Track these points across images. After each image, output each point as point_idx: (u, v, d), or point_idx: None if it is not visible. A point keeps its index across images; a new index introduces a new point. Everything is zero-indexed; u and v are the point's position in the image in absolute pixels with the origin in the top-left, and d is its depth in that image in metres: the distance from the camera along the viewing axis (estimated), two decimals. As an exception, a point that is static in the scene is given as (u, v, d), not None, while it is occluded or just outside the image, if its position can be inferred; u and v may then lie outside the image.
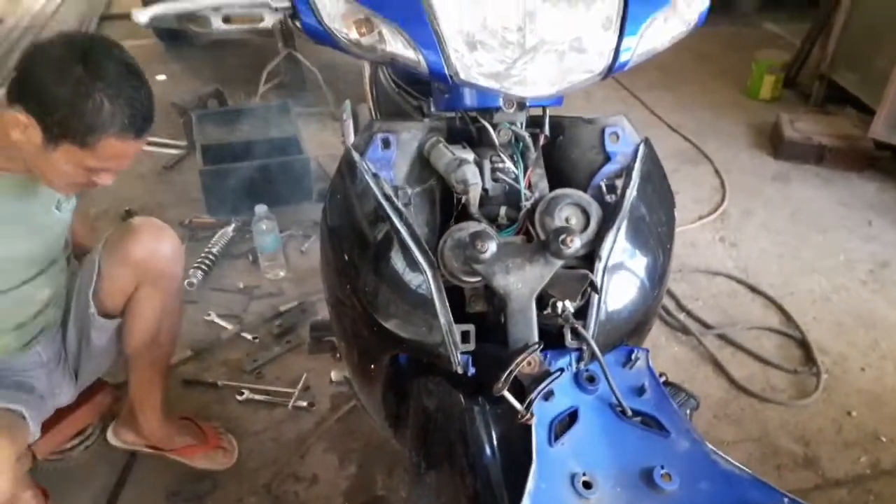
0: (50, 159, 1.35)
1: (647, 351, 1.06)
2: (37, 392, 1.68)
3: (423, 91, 1.65)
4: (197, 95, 3.69)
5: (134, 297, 1.75)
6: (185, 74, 4.49)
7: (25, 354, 1.65)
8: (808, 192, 3.46)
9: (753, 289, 2.82)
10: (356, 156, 1.09)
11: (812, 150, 3.60)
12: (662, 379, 1.09)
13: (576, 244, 0.94)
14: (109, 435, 2.10)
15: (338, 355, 1.81)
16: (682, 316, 2.65)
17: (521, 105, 1.07)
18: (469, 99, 1.08)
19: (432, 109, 1.19)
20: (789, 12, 5.52)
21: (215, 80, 4.08)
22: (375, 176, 1.08)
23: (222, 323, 2.59)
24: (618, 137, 1.13)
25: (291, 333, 2.56)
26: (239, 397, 2.29)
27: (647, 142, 1.15)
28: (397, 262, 1.02)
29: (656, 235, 1.09)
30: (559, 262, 0.99)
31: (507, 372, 0.93)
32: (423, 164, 1.13)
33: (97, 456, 2.09)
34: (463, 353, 1.00)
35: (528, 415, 0.93)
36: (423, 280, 1.00)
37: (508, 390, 0.95)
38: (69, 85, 1.27)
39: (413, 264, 1.01)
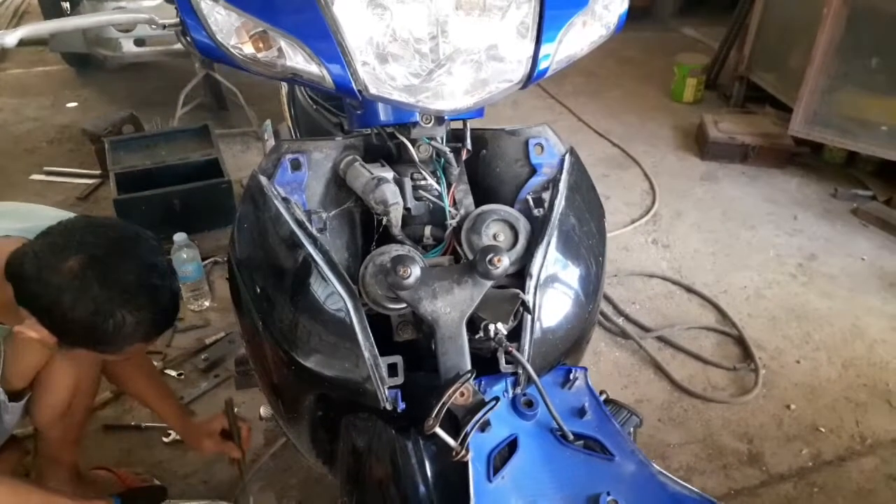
0: (62, 350, 1.28)
1: (586, 370, 1.01)
2: None
3: (343, 107, 1.58)
4: (110, 122, 3.51)
5: (44, 371, 1.61)
6: (97, 100, 4.29)
7: None
8: (736, 191, 3.53)
9: (689, 289, 2.84)
10: (264, 180, 1.01)
11: (736, 150, 3.68)
12: (603, 397, 1.04)
13: (504, 263, 0.89)
14: (21, 494, 1.93)
15: (263, 386, 1.72)
16: (620, 320, 2.64)
17: (440, 119, 1.00)
18: (384, 114, 1.01)
19: (345, 127, 1.12)
20: (705, 17, 5.69)
21: (130, 104, 3.91)
22: (286, 200, 1.00)
23: (145, 360, 2.43)
24: (542, 148, 1.09)
25: (219, 367, 2.42)
26: (165, 439, 2.15)
27: (572, 151, 1.10)
28: (314, 293, 0.94)
29: (588, 247, 1.04)
30: (488, 283, 0.92)
31: (438, 406, 0.86)
32: (339, 185, 1.06)
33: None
34: (391, 387, 0.93)
35: (464, 451, 0.86)
36: (343, 311, 0.93)
37: (441, 425, 0.88)
38: (87, 307, 1.18)
39: (331, 295, 0.93)
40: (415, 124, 0.99)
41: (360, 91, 0.89)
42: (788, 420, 2.29)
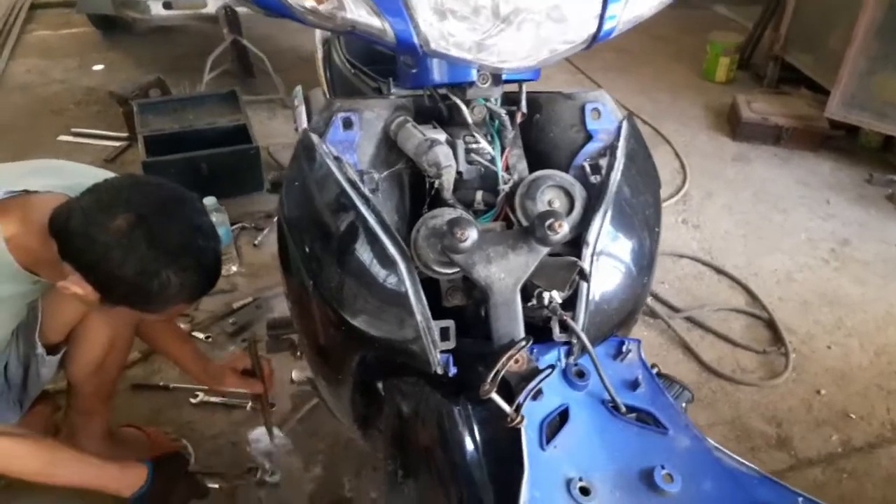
0: (101, 307, 1.28)
1: (639, 342, 0.99)
2: None
3: (382, 72, 1.54)
4: (138, 85, 3.49)
5: (80, 326, 1.61)
6: (124, 63, 4.26)
7: None
8: (768, 173, 3.47)
9: (719, 270, 2.80)
10: (315, 138, 0.99)
11: (769, 131, 3.61)
12: (654, 371, 1.02)
13: (564, 229, 0.86)
14: (52, 450, 1.95)
15: (298, 353, 1.71)
16: (649, 299, 2.61)
17: (497, 79, 0.97)
18: (439, 73, 0.98)
19: (392, 89, 1.09)
20: (738, -5, 5.57)
21: (157, 68, 3.87)
22: (338, 160, 0.97)
23: (173, 322, 2.44)
24: (599, 114, 1.05)
25: (247, 331, 2.42)
26: (193, 400, 2.16)
27: (630, 118, 1.07)
28: (366, 254, 0.92)
29: (643, 217, 1.01)
30: (545, 250, 0.90)
31: (494, 372, 0.84)
32: (389, 147, 1.03)
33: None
34: (443, 352, 0.91)
35: (518, 417, 0.84)
36: (395, 273, 0.91)
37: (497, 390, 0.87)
38: (134, 266, 1.17)
39: (383, 256, 0.91)
40: (471, 84, 0.96)
41: (420, 46, 0.86)
42: (818, 405, 2.26)
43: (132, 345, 1.80)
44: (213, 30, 3.91)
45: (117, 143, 3.35)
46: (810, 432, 2.17)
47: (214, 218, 2.53)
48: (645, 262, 1.00)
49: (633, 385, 0.96)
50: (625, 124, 1.05)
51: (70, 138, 3.39)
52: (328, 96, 1.93)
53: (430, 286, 0.99)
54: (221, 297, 2.57)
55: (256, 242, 2.82)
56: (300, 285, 1.00)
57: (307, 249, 0.97)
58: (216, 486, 1.65)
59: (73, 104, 3.76)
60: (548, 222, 0.86)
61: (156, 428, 2.03)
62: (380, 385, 1.12)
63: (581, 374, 0.95)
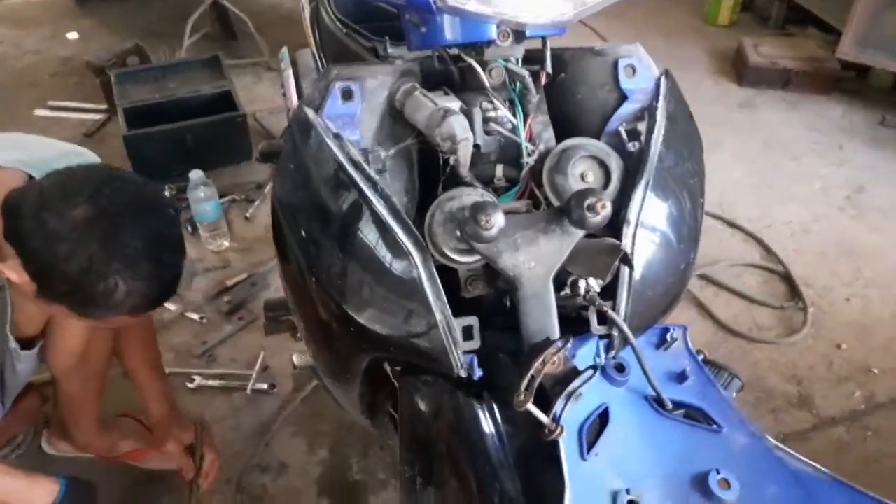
0: (37, 303, 1.15)
1: (685, 328, 0.89)
2: None
3: (377, 30, 1.40)
4: (114, 53, 3.29)
5: (55, 317, 1.49)
6: (99, 31, 4.04)
7: None
8: (777, 118, 3.33)
9: (731, 223, 2.69)
10: (311, 113, 0.86)
11: (777, 75, 3.46)
12: (701, 357, 0.92)
13: (607, 210, 0.75)
14: (44, 443, 1.88)
15: (298, 336, 1.61)
16: (660, 258, 2.51)
17: (520, 36, 0.84)
18: (452, 31, 0.84)
19: (390, 49, 0.96)
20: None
21: (134, 35, 3.65)
22: (338, 137, 0.85)
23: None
24: (634, 70, 0.93)
25: (242, 309, 2.32)
26: (190, 385, 2.07)
27: (668, 74, 0.95)
28: (375, 245, 0.81)
29: (689, 188, 0.90)
30: (581, 233, 0.79)
31: (527, 378, 0.74)
32: (395, 119, 0.91)
33: (33, 466, 1.85)
34: (466, 352, 0.81)
35: (558, 429, 0.74)
36: (409, 266, 0.80)
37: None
38: (80, 263, 1.04)
39: (395, 246, 0.80)
40: (489, 43, 0.83)
41: (435, 2, 0.73)
42: (839, 361, 2.19)
43: (116, 334, 1.69)
44: (192, -9, 3.71)
45: (96, 116, 3.17)
46: (832, 389, 2.10)
47: (202, 192, 2.40)
48: (691, 238, 0.89)
49: (681, 377, 0.87)
50: (663, 81, 0.93)
51: (47, 112, 3.22)
52: (318, 59, 1.79)
53: (446, 274, 0.88)
54: (214, 274, 2.46)
55: (248, 215, 2.69)
56: (299, 277, 0.89)
57: (307, 240, 0.86)
58: None
59: (48, 76, 3.56)
60: (587, 202, 0.75)
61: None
62: (388, 368, 1.03)
63: (621, 368, 0.85)
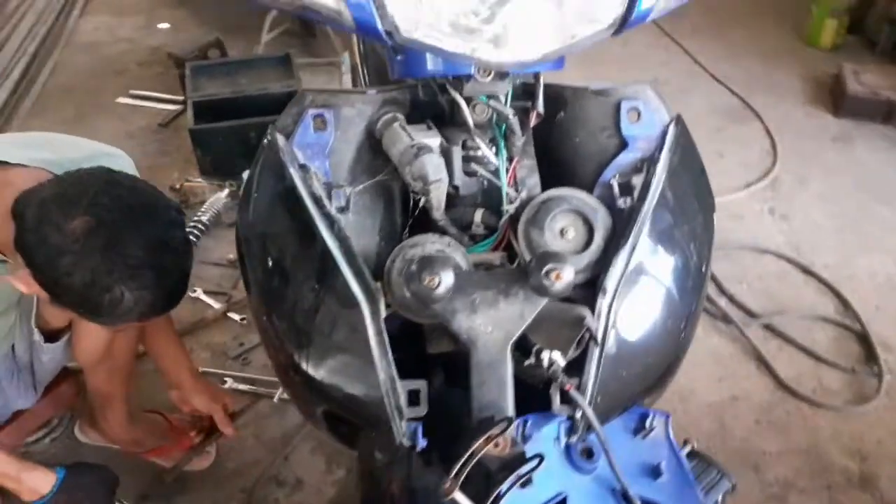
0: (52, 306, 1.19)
1: (668, 416, 0.78)
2: None
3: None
4: (196, 46, 3.39)
5: None
6: (190, 22, 4.17)
7: None
8: (873, 157, 3.05)
9: (806, 270, 2.47)
10: (281, 140, 0.81)
11: (879, 107, 3.17)
12: (687, 449, 0.80)
13: (565, 279, 0.66)
14: (76, 430, 1.92)
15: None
16: (723, 302, 2.33)
17: (503, 73, 0.76)
18: (432, 62, 0.77)
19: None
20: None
21: (220, 28, 3.77)
22: (304, 168, 0.79)
23: (208, 300, 2.35)
24: (639, 115, 0.82)
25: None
26: (222, 386, 2.07)
27: (679, 121, 0.83)
28: (324, 290, 0.74)
29: (687, 254, 0.79)
30: (545, 300, 0.70)
31: (462, 460, 0.65)
32: (375, 151, 0.84)
33: (65, 450, 1.90)
34: (411, 419, 0.73)
35: (490, 522, 0.65)
36: (357, 318, 0.73)
37: (469, 478, 0.68)
38: (84, 277, 1.05)
39: (345, 294, 0.73)
40: (468, 78, 0.75)
41: (388, 33, 0.66)
42: (913, 439, 1.96)
43: (140, 332, 1.70)
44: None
45: (173, 107, 3.27)
46: (901, 471, 1.88)
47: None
48: (685, 314, 0.78)
49: (655, 472, 0.76)
50: (671, 129, 0.82)
51: (129, 100, 3.35)
52: (361, 71, 1.75)
53: (414, 327, 0.81)
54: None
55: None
56: (257, 311, 0.84)
57: (262, 275, 0.80)
58: None
59: (135, 64, 3.71)
60: (546, 268, 0.66)
61: (179, 415, 1.95)
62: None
63: (589, 454, 0.75)
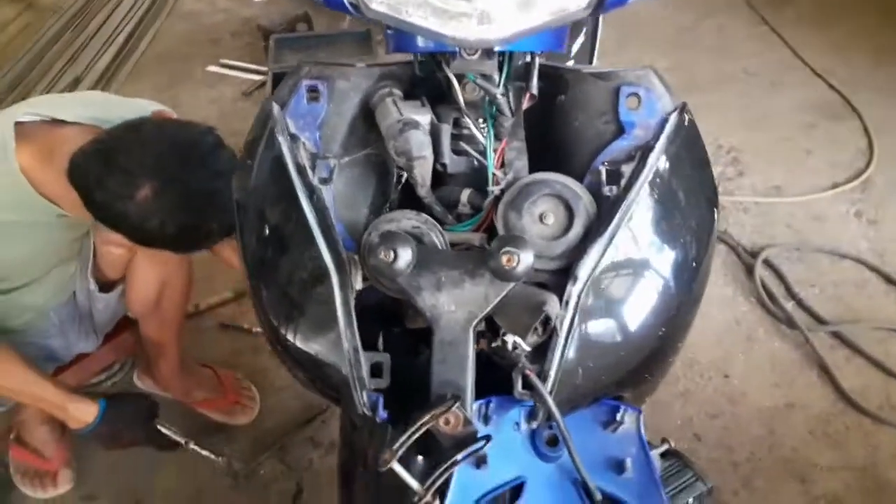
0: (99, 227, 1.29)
1: (639, 411, 0.75)
2: (54, 352, 1.63)
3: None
4: (285, 18, 3.49)
5: (131, 266, 1.63)
6: (284, -7, 4.30)
7: (43, 320, 1.57)
8: (983, 164, 2.79)
9: (889, 279, 2.30)
10: (275, 108, 0.83)
11: None
12: (663, 448, 0.78)
13: (523, 263, 0.64)
14: (135, 377, 2.04)
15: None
16: (789, 305, 2.20)
17: (489, 51, 0.74)
18: (421, 38, 0.76)
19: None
20: None
21: (309, 2, 3.86)
22: (294, 138, 0.81)
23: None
24: (639, 101, 0.79)
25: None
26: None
27: (684, 109, 0.79)
28: (299, 259, 0.76)
29: (678, 247, 0.75)
30: (509, 284, 0.69)
31: (407, 433, 0.65)
32: (369, 124, 0.84)
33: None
34: (374, 390, 0.74)
35: (428, 497, 0.65)
36: (326, 288, 0.74)
37: (418, 455, 0.68)
38: (173, 226, 1.17)
39: (317, 264, 0.75)
40: (454, 55, 0.74)
41: (353, 5, 0.65)
42: None
43: (190, 284, 1.79)
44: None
45: (257, 77, 3.38)
46: (968, 500, 1.74)
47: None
48: (668, 309, 0.74)
49: (620, 467, 0.73)
50: (673, 118, 0.78)
51: (218, 69, 3.48)
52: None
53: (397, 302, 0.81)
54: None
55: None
56: (248, 279, 0.87)
57: (249, 241, 0.83)
58: (181, 441, 1.60)
59: (229, 34, 3.85)
60: (502, 251, 0.64)
61: (229, 371, 2.04)
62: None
63: (555, 442, 0.74)
